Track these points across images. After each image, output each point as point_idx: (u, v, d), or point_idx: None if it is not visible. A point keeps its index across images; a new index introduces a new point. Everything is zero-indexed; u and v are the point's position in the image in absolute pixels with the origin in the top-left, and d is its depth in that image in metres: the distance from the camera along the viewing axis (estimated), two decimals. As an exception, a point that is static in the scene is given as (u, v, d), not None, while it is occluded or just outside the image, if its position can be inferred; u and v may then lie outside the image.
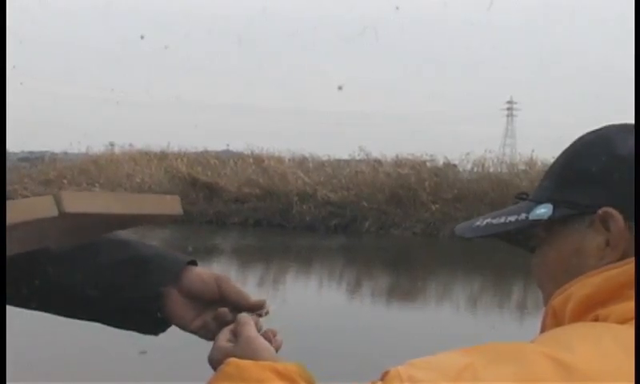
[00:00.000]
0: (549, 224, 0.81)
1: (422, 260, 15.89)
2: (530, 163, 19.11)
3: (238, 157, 22.90)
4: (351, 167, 20.61)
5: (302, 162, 21.92)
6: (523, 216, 0.83)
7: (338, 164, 21.66)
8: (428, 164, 19.98)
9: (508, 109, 55.37)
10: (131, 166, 22.79)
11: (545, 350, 0.63)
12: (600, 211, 0.77)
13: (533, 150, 19.62)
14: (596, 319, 0.71)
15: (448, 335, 7.76)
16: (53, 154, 26.37)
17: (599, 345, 0.64)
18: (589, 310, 0.72)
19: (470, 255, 16.29)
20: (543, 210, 0.81)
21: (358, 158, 21.36)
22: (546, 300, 0.79)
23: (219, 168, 21.53)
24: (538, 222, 0.81)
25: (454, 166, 20.22)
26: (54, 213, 0.91)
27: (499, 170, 19.65)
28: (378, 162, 20.56)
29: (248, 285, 11.56)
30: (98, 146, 26.10)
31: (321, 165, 21.60)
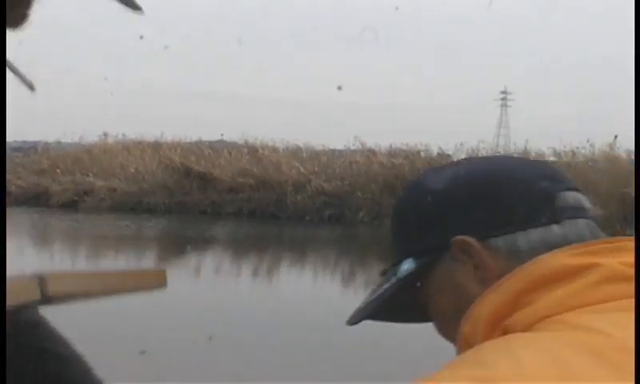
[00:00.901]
0: (419, 276, 0.84)
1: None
2: (524, 153, 19.14)
3: (232, 147, 22.87)
4: (345, 157, 20.62)
5: (296, 152, 21.91)
6: (393, 279, 0.85)
7: (333, 154, 21.67)
8: (422, 154, 20.02)
9: (502, 99, 55.49)
10: (125, 155, 22.72)
11: (465, 373, 0.64)
12: (452, 244, 0.80)
13: (527, 141, 19.70)
14: (505, 332, 0.73)
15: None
16: (46, 143, 26.27)
17: (516, 358, 0.64)
18: (496, 325, 0.74)
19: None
20: (407, 266, 0.84)
21: (352, 148, 21.38)
22: (455, 341, 0.80)
23: (213, 158, 21.49)
24: (407, 278, 0.84)
25: (448, 156, 20.24)
26: (37, 296, 0.92)
27: (493, 160, 19.66)
28: (372, 152, 20.57)
29: (242, 275, 11.57)
30: (91, 136, 26.00)
31: (315, 155, 21.60)
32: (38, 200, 20.95)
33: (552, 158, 19.12)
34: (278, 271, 12.30)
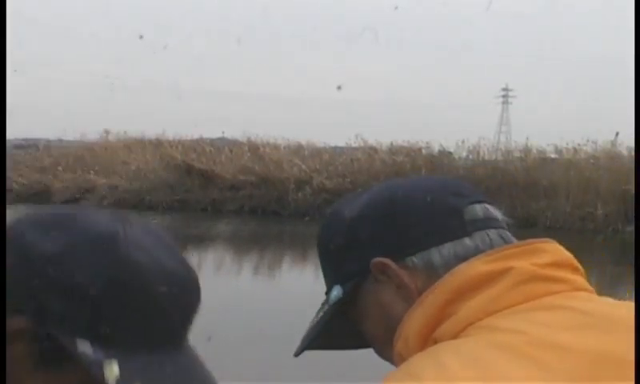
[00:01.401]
0: (348, 301, 0.87)
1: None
2: (525, 151, 19.12)
3: (234, 144, 22.86)
4: (347, 155, 20.61)
5: (297, 150, 21.90)
6: (326, 307, 0.89)
7: (334, 151, 21.66)
8: (423, 151, 20.01)
9: (503, 96, 55.41)
10: (126, 153, 22.73)
11: None
12: (371, 267, 0.83)
13: (527, 138, 19.66)
14: (435, 343, 0.77)
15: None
16: (48, 141, 26.30)
17: (441, 363, 0.69)
18: (426, 338, 0.78)
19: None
20: (335, 292, 0.87)
21: (354, 145, 21.37)
22: (391, 359, 0.84)
23: (214, 155, 21.49)
24: (336, 305, 0.87)
25: (450, 153, 20.24)
26: None
27: (494, 157, 19.67)
28: (374, 149, 20.56)
29: (243, 272, 11.58)
30: (92, 134, 26.02)
31: (317, 152, 21.59)
32: (39, 198, 20.97)
33: (553, 155, 19.11)
34: (279, 268, 12.31)
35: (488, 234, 0.83)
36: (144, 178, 20.87)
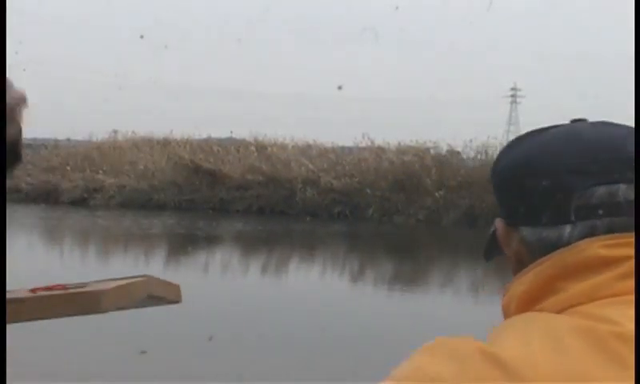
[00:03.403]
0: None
1: (425, 247, 15.90)
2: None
3: (241, 144, 22.89)
4: (355, 154, 20.61)
5: (305, 149, 21.91)
6: (491, 230, 0.92)
7: (342, 151, 21.66)
8: (431, 151, 19.98)
9: (512, 95, 55.27)
10: (134, 152, 22.79)
11: (480, 345, 0.70)
12: (495, 224, 0.87)
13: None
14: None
15: (450, 322, 7.78)
16: (56, 140, 26.38)
17: (524, 333, 0.70)
18: (529, 306, 0.78)
19: (472, 242, 16.30)
20: (493, 227, 0.90)
21: (361, 145, 21.36)
22: None
23: (222, 155, 21.52)
24: (493, 234, 0.90)
25: (458, 152, 20.21)
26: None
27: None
28: (382, 149, 20.54)
29: (251, 271, 11.59)
30: (101, 133, 26.10)
31: (324, 152, 21.59)
32: (48, 197, 21.06)
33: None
34: (286, 268, 12.31)
35: (604, 222, 0.77)
36: (152, 177, 20.92)
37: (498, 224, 0.86)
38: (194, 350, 6.22)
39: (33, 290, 1.18)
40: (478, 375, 0.67)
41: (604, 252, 0.75)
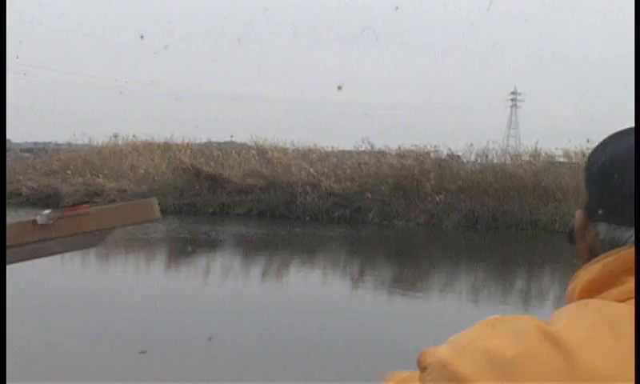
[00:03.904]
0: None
1: (426, 251, 15.90)
2: (534, 154, 19.08)
3: (242, 148, 22.91)
4: (355, 158, 20.61)
5: (306, 153, 21.92)
6: (574, 220, 0.97)
7: (342, 155, 21.66)
8: (432, 155, 19.96)
9: (512, 100, 55.27)
10: (135, 157, 22.80)
11: (540, 324, 0.76)
12: (576, 215, 0.93)
13: (537, 141, 19.64)
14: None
15: (451, 326, 7.77)
16: (56, 144, 26.41)
17: (581, 315, 0.77)
18: (593, 294, 0.83)
19: (473, 246, 16.30)
20: (577, 214, 0.95)
21: (362, 149, 21.36)
22: None
23: (223, 159, 21.54)
24: (573, 226, 0.95)
25: (458, 156, 20.20)
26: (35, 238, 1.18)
27: (503, 160, 19.62)
28: (382, 153, 20.54)
29: (252, 275, 11.58)
30: (101, 137, 26.14)
31: (325, 156, 21.60)
32: (48, 201, 21.04)
33: (562, 159, 19.06)
34: (287, 271, 12.31)
35: None
36: (153, 181, 20.93)
37: (579, 215, 0.92)
38: (193, 350, 6.24)
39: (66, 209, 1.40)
40: (537, 352, 0.73)
41: None
